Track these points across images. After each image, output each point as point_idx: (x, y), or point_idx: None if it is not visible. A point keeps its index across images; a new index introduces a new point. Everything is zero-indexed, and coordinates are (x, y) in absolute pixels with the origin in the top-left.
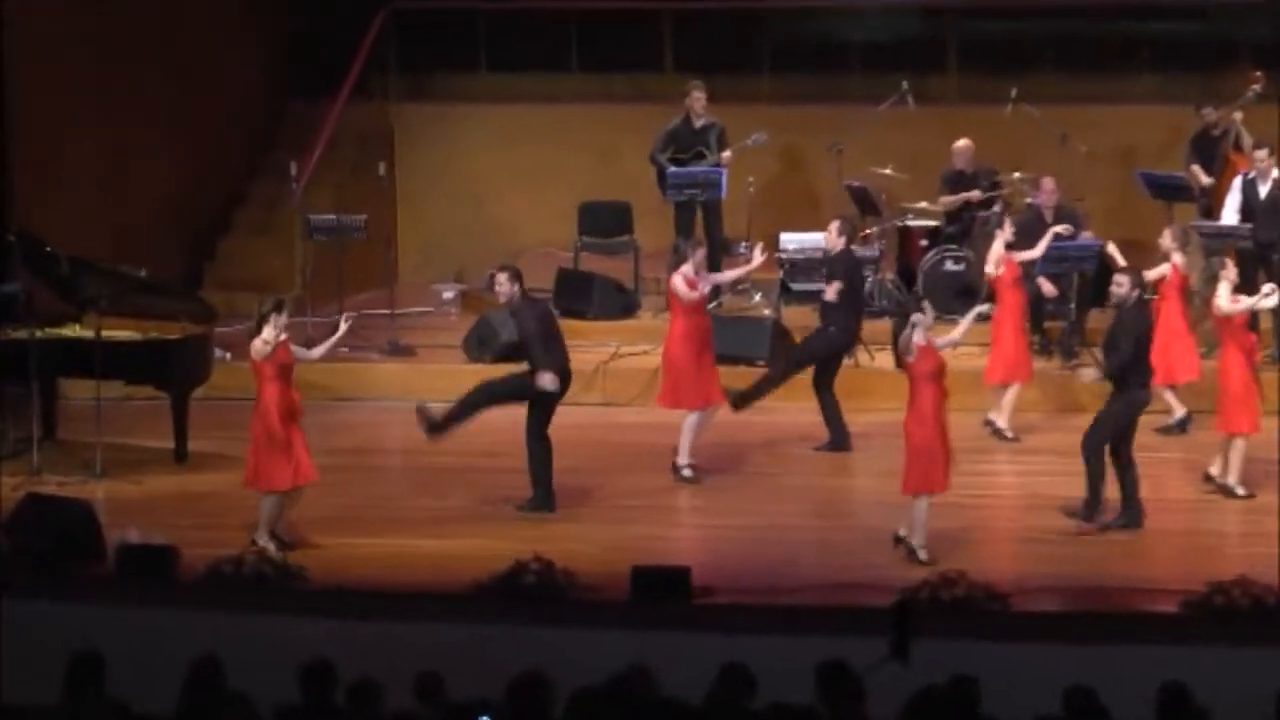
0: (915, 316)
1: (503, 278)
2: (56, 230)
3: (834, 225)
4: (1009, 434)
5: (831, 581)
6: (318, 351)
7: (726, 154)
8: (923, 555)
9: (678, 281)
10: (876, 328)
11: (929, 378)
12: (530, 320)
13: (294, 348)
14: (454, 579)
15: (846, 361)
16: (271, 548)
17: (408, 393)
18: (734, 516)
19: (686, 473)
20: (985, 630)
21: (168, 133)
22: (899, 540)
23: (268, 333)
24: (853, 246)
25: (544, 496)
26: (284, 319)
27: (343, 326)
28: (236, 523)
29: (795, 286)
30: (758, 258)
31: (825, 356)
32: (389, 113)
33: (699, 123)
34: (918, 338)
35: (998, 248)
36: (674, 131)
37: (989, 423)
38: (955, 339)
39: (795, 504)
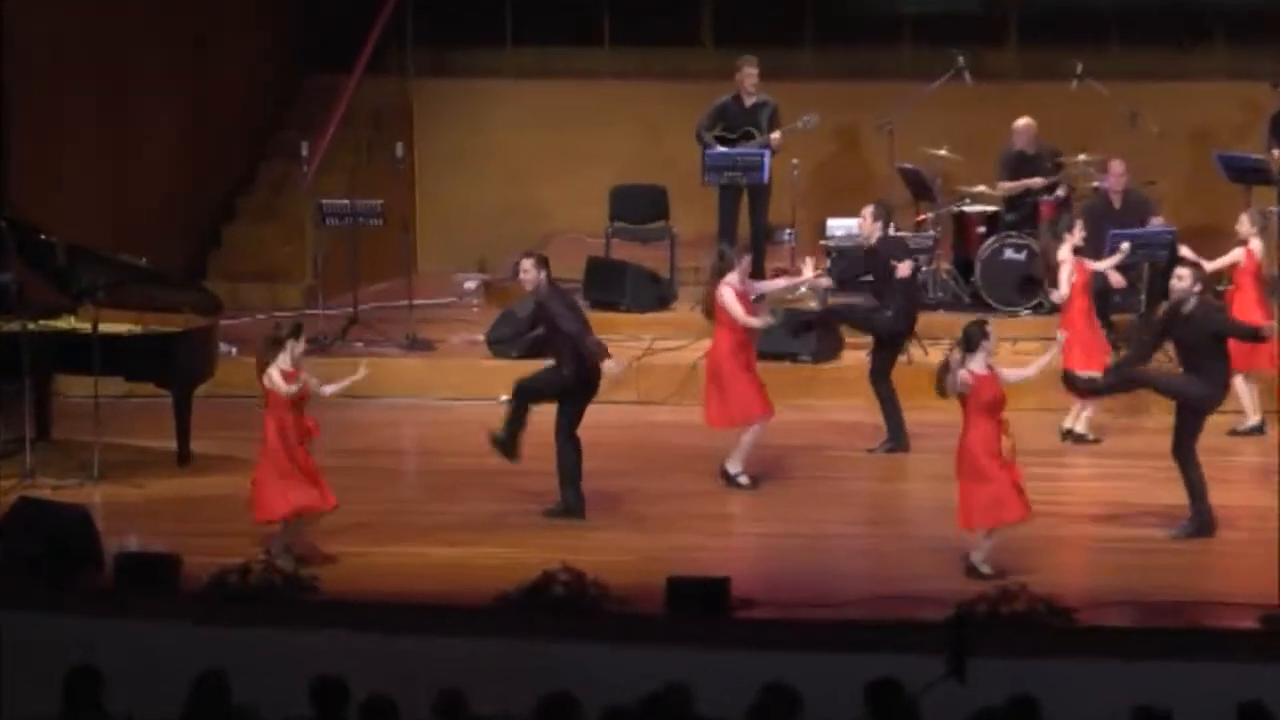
0: (953, 357)
1: (528, 264)
2: (51, 216)
3: (867, 211)
4: (1089, 435)
5: (883, 594)
6: (329, 390)
7: (775, 135)
8: (986, 569)
9: (729, 297)
10: (931, 321)
11: (987, 409)
12: (561, 309)
13: (308, 378)
14: (476, 590)
15: (902, 359)
16: (286, 559)
17: (425, 390)
18: (778, 523)
19: (743, 480)
20: (1047, 647)
21: (170, 111)
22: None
23: (283, 360)
24: (891, 230)
25: (574, 500)
26: (301, 346)
27: (361, 371)
28: (243, 529)
29: (843, 277)
30: (807, 272)
31: (886, 339)
32: (407, 89)
33: (750, 100)
34: (976, 366)
35: (1066, 256)
36: (722, 108)
37: (1068, 432)
38: (1028, 374)
39: (844, 510)
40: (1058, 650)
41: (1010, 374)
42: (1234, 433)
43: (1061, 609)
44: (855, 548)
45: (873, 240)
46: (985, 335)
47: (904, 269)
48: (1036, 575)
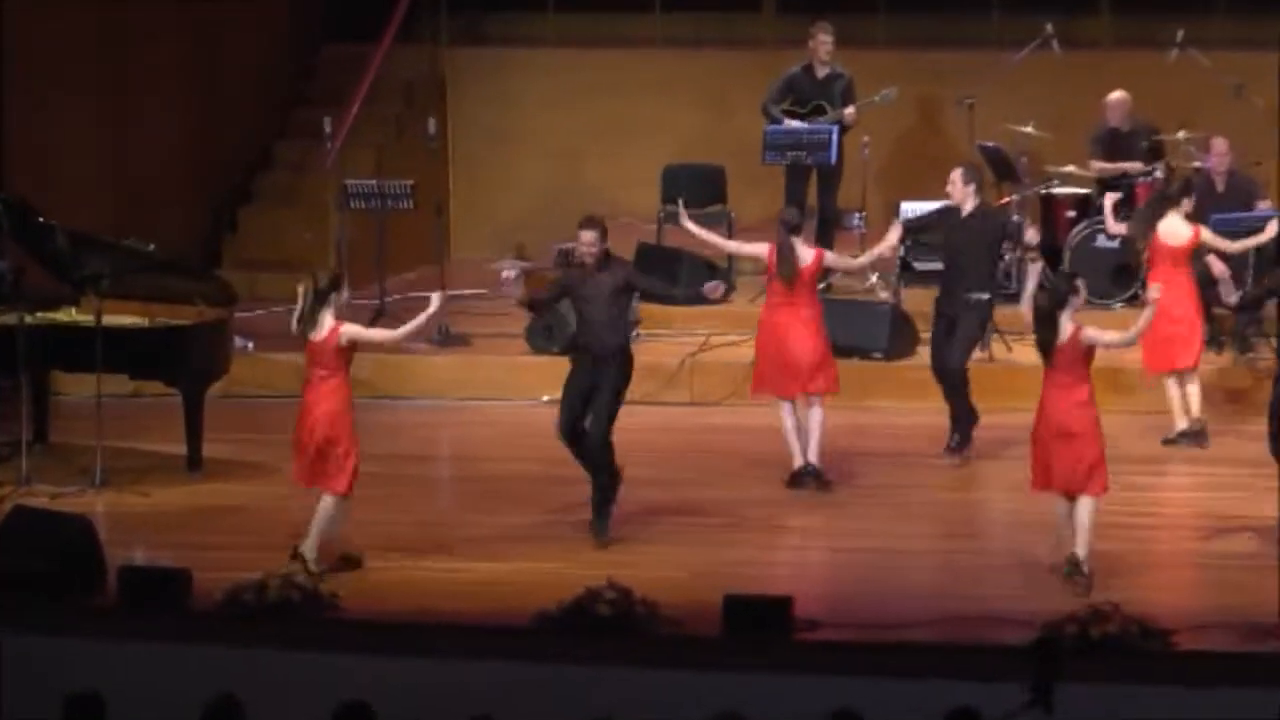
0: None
1: (589, 236)
2: (51, 198)
3: (956, 174)
4: (1190, 435)
5: (960, 614)
6: (403, 330)
7: (850, 110)
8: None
9: (807, 255)
10: (1016, 315)
11: (1080, 365)
12: (632, 268)
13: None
14: (513, 609)
15: (979, 354)
16: (311, 564)
17: (460, 390)
18: (845, 537)
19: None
20: (1143, 673)
21: (180, 84)
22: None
23: (328, 318)
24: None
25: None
26: (345, 296)
27: (435, 302)
28: (259, 542)
29: (918, 265)
30: (893, 236)
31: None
32: (440, 59)
33: (823, 72)
34: (1066, 321)
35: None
36: (792, 80)
37: (1181, 434)
38: (1127, 339)
39: (917, 522)
40: (1154, 676)
41: (1105, 336)
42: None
43: (1158, 631)
44: (930, 563)
45: (966, 209)
46: (1074, 290)
47: (1032, 233)
48: (1131, 593)
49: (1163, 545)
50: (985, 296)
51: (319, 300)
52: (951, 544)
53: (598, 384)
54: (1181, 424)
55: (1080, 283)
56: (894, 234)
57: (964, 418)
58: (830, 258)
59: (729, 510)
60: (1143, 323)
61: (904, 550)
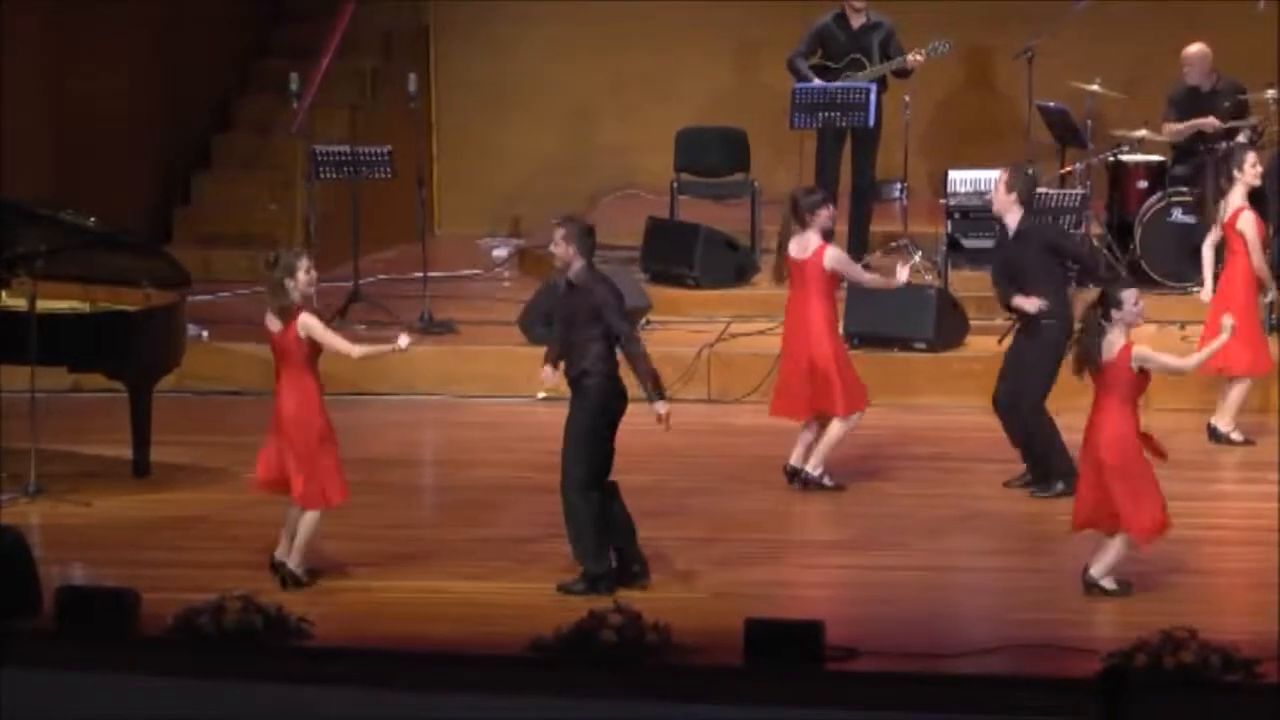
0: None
1: (563, 234)
2: None
3: (1001, 179)
4: (1236, 437)
5: (1016, 641)
6: (357, 351)
7: (912, 58)
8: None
9: (838, 257)
10: (1078, 297)
11: (1131, 389)
12: (608, 293)
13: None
14: (505, 635)
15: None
16: (301, 575)
17: (445, 385)
18: (883, 553)
19: (828, 481)
20: (1221, 708)
21: (127, 30)
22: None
23: (294, 293)
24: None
25: (597, 568)
26: (309, 273)
27: (403, 341)
28: (216, 558)
29: (967, 243)
30: (902, 276)
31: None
32: (422, 7)
33: (858, 21)
34: (1116, 336)
35: (1240, 202)
36: (823, 31)
37: (1213, 432)
38: (1186, 366)
39: (966, 537)
40: (1235, 712)
41: (1161, 358)
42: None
43: (1240, 660)
44: (980, 583)
45: (1010, 222)
46: (1119, 302)
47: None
48: (1208, 619)
49: (1232, 563)
50: (1053, 321)
51: (280, 278)
52: (1005, 561)
53: (570, 420)
54: (1223, 424)
55: (1128, 294)
56: (902, 275)
57: (1043, 460)
58: (832, 256)
59: (752, 524)
60: (1207, 354)
61: (951, 568)
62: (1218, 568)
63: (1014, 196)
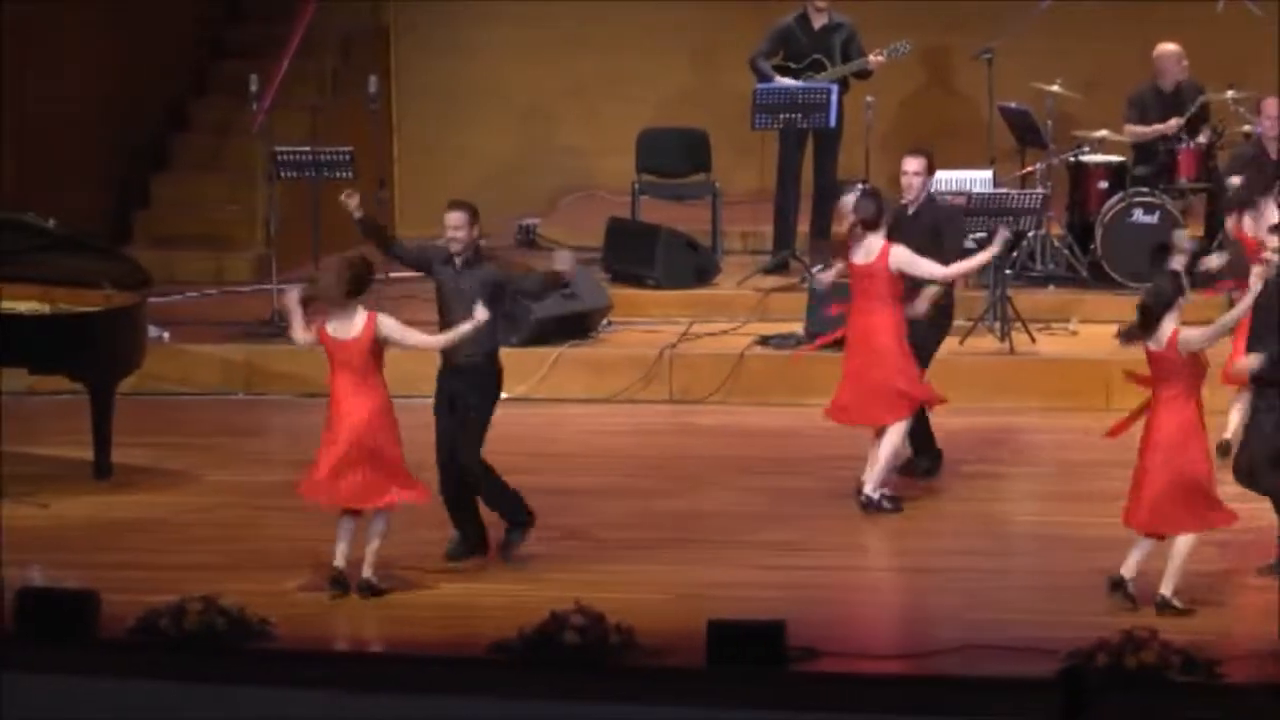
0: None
1: (456, 218)
2: None
3: (916, 162)
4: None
5: (977, 642)
6: (442, 339)
7: (873, 59)
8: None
9: (906, 254)
10: (1038, 301)
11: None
12: (484, 280)
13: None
14: (468, 638)
15: (1001, 345)
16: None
17: (402, 386)
18: (845, 554)
19: (888, 504)
20: (1185, 710)
21: (85, 30)
22: (1117, 585)
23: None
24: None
25: (474, 535)
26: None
27: (479, 315)
28: (179, 560)
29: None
30: (1001, 239)
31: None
32: (382, 10)
33: (820, 21)
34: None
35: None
36: (785, 32)
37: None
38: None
39: (928, 538)
40: (1197, 713)
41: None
42: None
43: (1202, 661)
44: (943, 584)
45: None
46: (1181, 289)
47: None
48: (1173, 619)
49: (1209, 563)
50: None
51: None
52: (968, 561)
53: (459, 400)
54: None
55: (1188, 280)
56: (997, 243)
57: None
58: (900, 256)
59: (714, 525)
60: (1239, 312)
61: (914, 569)
62: (1198, 568)
63: (920, 181)
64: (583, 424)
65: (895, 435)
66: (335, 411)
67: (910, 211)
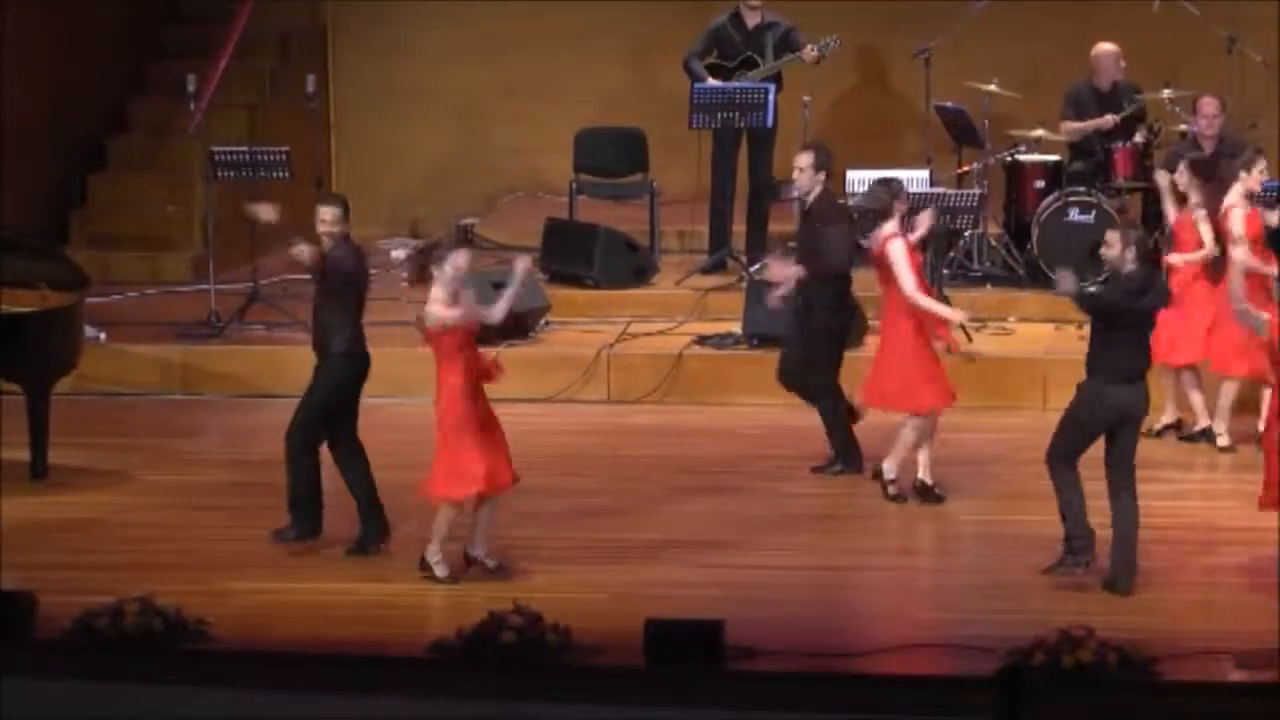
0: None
1: (330, 213)
2: None
3: (804, 158)
4: (1224, 441)
5: (915, 641)
6: (499, 310)
7: (796, 56)
8: None
9: (899, 252)
10: (977, 299)
11: None
12: (351, 261)
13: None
14: (407, 637)
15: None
16: (441, 570)
17: (399, 389)
18: (783, 553)
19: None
20: (1121, 708)
21: (20, 29)
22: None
23: (438, 291)
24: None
25: (306, 524)
26: (464, 259)
27: (519, 267)
28: (116, 560)
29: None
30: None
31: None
32: (319, 10)
33: (753, 20)
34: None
35: (1238, 200)
36: (718, 31)
37: (1204, 431)
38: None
39: (866, 537)
40: (1134, 712)
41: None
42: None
43: (1139, 660)
44: (882, 582)
45: (809, 199)
46: None
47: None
48: (1111, 617)
49: (1154, 560)
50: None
51: (420, 265)
52: (907, 560)
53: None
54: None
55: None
56: (923, 226)
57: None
58: (892, 251)
59: (652, 524)
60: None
61: (852, 568)
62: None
63: (821, 176)
64: (521, 424)
65: (911, 424)
66: (486, 403)
67: (804, 207)
